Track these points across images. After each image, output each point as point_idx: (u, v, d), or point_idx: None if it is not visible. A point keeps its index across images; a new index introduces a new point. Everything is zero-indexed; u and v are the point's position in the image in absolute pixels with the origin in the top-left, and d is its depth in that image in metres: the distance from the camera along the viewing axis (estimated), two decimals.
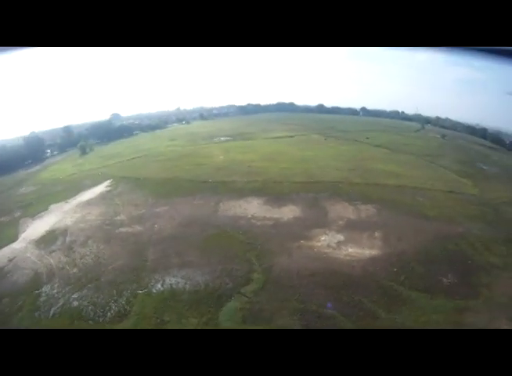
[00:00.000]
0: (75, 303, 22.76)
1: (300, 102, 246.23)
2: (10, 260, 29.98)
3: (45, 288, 24.81)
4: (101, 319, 20.94)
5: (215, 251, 26.83)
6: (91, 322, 20.84)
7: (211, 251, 26.87)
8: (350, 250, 26.24)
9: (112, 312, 21.37)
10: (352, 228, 29.84)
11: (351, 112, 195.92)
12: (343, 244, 27.12)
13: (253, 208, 34.92)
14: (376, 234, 28.71)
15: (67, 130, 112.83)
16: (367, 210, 33.70)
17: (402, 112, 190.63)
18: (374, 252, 25.93)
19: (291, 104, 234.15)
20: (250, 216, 33.01)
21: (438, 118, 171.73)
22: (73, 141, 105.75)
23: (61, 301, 23.10)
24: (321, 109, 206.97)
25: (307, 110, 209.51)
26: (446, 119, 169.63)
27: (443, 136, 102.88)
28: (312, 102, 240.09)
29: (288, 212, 33.64)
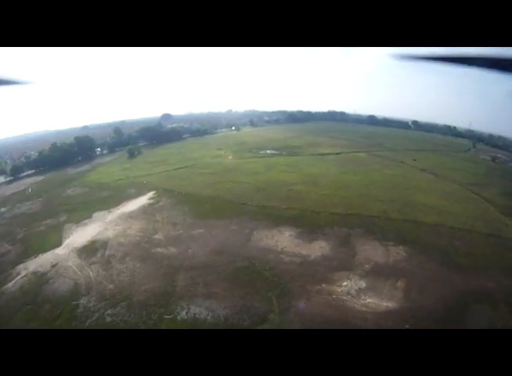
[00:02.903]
0: (108, 319, 26.44)
1: (350, 110, 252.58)
2: (53, 266, 34.87)
3: (83, 300, 28.91)
4: None
5: (240, 285, 29.24)
6: None
7: (236, 285, 29.34)
8: (368, 300, 27.03)
9: None
10: (377, 274, 30.44)
11: (403, 125, 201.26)
12: (363, 292, 27.98)
13: (284, 241, 36.81)
14: (399, 284, 29.10)
15: (118, 131, 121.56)
16: (397, 253, 34.00)
17: (454, 127, 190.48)
18: (391, 305, 26.51)
19: (342, 113, 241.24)
20: (279, 250, 34.85)
21: (490, 136, 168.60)
22: (123, 141, 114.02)
23: (96, 315, 26.96)
24: (372, 120, 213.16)
25: (357, 120, 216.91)
26: (499, 137, 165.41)
27: (494, 159, 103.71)
28: (363, 111, 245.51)
29: (317, 249, 34.95)
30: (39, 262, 36.04)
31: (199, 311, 26.49)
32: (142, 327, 25.18)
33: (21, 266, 35.61)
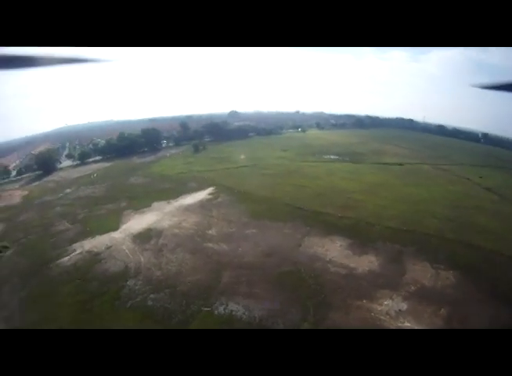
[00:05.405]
0: (150, 303, 28.00)
1: (419, 118, 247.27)
2: (107, 248, 37.46)
3: (130, 282, 30.83)
4: (166, 323, 25.46)
5: (282, 290, 29.41)
6: (157, 323, 25.37)
7: (278, 289, 29.55)
8: (406, 323, 25.86)
9: (176, 319, 25.86)
10: (421, 297, 28.99)
11: (472, 137, 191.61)
12: (402, 315, 26.83)
13: (334, 251, 36.29)
14: (442, 311, 27.39)
15: (184, 125, 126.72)
16: (447, 278, 31.99)
17: None
18: None
19: (410, 121, 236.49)
20: (327, 259, 34.45)
21: None
22: (188, 136, 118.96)
23: (139, 298, 28.63)
24: (441, 130, 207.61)
25: (426, 129, 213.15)
26: None
27: None
28: (432, 120, 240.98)
29: (365, 263, 34.12)
30: (95, 243, 38.78)
31: (236, 308, 27.07)
32: (180, 316, 26.36)
33: (78, 244, 38.59)
